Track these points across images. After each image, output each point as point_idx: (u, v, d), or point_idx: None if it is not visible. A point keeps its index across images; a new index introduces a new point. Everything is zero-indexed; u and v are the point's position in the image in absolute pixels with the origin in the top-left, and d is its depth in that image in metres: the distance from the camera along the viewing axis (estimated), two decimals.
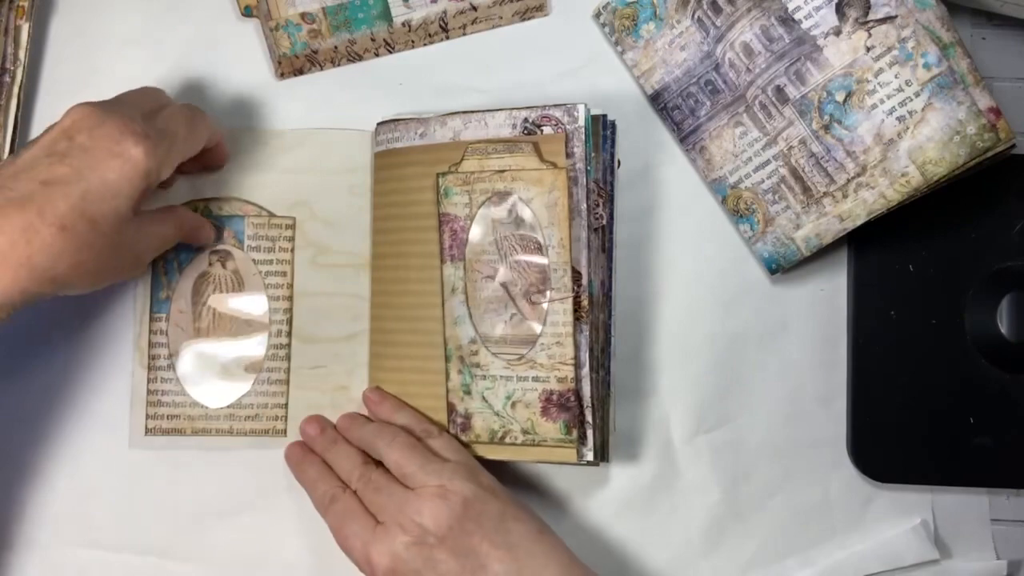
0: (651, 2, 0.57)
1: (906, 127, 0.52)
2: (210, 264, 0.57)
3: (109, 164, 0.45)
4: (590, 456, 0.51)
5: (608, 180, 0.53)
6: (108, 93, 0.51)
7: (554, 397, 0.52)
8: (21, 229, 0.44)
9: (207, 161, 0.55)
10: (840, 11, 0.52)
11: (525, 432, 0.52)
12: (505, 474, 0.57)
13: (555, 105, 0.52)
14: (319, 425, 0.55)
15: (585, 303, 0.51)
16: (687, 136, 0.57)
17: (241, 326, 0.57)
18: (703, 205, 0.58)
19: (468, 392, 0.53)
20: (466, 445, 0.54)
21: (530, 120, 0.52)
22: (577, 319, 0.51)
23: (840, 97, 0.53)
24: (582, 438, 0.51)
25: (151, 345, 0.56)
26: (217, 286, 0.57)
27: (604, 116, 0.53)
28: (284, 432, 0.57)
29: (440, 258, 0.54)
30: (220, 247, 0.57)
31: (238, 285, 0.57)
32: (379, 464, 0.52)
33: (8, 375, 0.56)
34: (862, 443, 0.57)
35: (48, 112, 0.57)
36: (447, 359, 0.54)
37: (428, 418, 0.54)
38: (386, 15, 0.57)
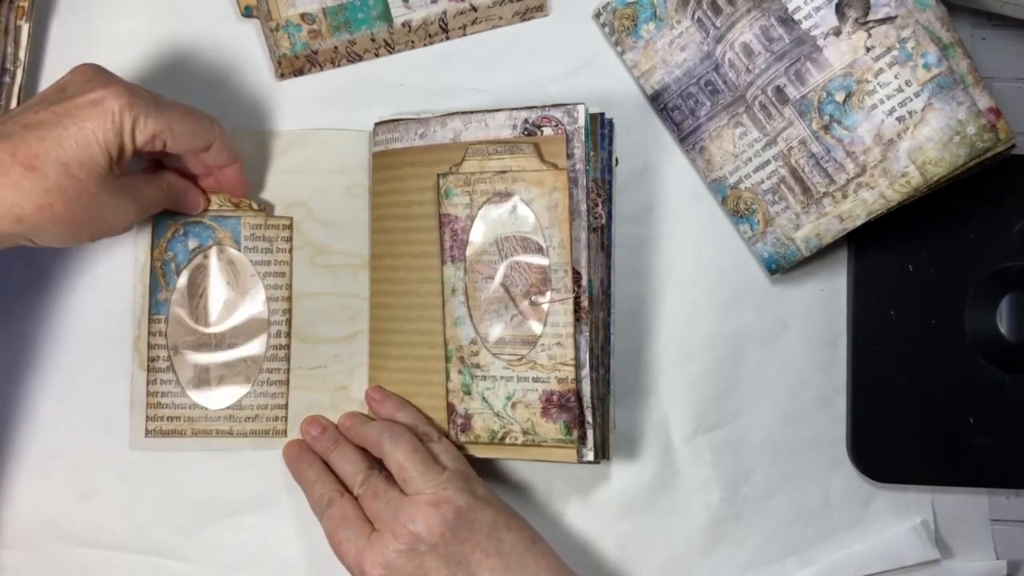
0: (651, 2, 0.57)
1: (906, 127, 0.52)
2: (205, 257, 0.57)
3: (87, 112, 0.46)
4: (590, 456, 0.51)
5: (606, 179, 0.53)
6: None
7: (554, 398, 0.52)
8: None
9: (224, 182, 0.55)
10: (840, 11, 0.52)
11: (525, 432, 0.52)
12: (505, 474, 0.57)
13: (555, 105, 0.52)
14: (320, 426, 0.55)
15: (585, 304, 0.51)
16: (687, 136, 0.57)
17: (240, 327, 0.57)
18: (703, 205, 0.58)
19: (468, 392, 0.53)
20: (464, 446, 0.54)
21: (530, 121, 0.52)
22: (577, 320, 0.51)
23: (840, 97, 0.53)
24: (582, 438, 0.51)
25: (150, 347, 0.56)
26: (210, 274, 0.56)
27: (601, 115, 0.53)
28: (284, 433, 0.56)
29: (440, 259, 0.54)
30: (214, 247, 0.57)
31: (233, 276, 0.57)
32: (380, 466, 0.52)
33: (9, 377, 0.56)
34: (862, 443, 0.57)
35: None
36: (447, 359, 0.54)
37: (429, 420, 0.54)
38: (386, 15, 0.57)
